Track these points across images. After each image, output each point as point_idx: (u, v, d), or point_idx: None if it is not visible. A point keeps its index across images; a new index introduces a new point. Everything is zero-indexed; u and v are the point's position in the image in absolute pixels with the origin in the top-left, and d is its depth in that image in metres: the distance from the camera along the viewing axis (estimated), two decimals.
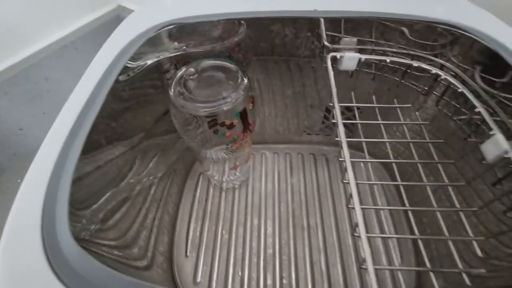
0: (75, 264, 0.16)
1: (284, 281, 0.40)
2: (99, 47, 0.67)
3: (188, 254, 0.43)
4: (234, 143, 0.36)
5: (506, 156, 0.26)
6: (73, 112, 0.25)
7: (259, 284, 0.40)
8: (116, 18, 0.66)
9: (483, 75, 0.32)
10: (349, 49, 0.37)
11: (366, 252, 0.22)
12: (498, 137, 0.27)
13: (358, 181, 0.27)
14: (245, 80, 0.33)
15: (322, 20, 0.35)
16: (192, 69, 0.34)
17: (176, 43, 0.37)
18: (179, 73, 0.34)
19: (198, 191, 0.50)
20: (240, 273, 0.41)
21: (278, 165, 0.53)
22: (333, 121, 0.34)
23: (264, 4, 0.36)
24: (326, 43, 0.37)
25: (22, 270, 0.16)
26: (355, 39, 0.37)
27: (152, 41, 0.34)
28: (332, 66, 0.37)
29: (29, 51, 0.56)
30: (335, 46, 0.37)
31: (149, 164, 0.41)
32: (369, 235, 0.24)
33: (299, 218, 0.46)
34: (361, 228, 0.23)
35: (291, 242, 0.44)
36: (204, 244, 0.44)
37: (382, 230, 0.42)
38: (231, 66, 0.35)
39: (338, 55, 0.37)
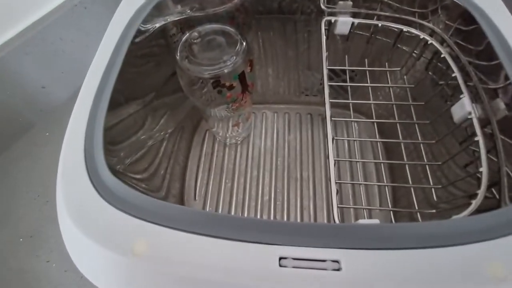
0: (114, 189, 0.22)
1: None
2: (107, 6, 0.68)
3: (196, 198, 0.51)
4: (234, 103, 0.40)
5: (469, 117, 0.30)
6: (98, 73, 0.29)
7: None
8: None
9: (460, 42, 0.34)
10: (344, 13, 0.39)
11: (333, 192, 0.27)
12: (464, 100, 0.30)
13: (336, 137, 0.31)
14: (244, 44, 0.36)
15: None
16: (195, 34, 0.37)
17: (179, 7, 0.40)
18: (184, 37, 0.37)
19: (205, 146, 0.56)
20: (240, 214, 0.49)
21: (277, 123, 0.57)
22: (320, 83, 0.38)
23: None
24: (323, 6, 0.39)
25: (75, 195, 0.22)
26: (350, 2, 0.38)
27: (158, 6, 0.37)
28: (327, 30, 0.39)
29: (42, 12, 0.58)
30: (330, 9, 0.39)
31: (160, 121, 0.47)
32: (339, 181, 0.29)
33: (294, 171, 0.52)
34: (332, 175, 0.28)
35: (285, 191, 0.50)
36: (210, 190, 0.51)
37: (365, 179, 0.48)
38: (231, 30, 0.37)
39: (332, 19, 0.39)
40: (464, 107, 0.30)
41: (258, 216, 0.49)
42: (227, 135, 0.53)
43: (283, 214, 0.48)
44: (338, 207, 0.26)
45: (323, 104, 0.58)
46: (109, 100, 0.27)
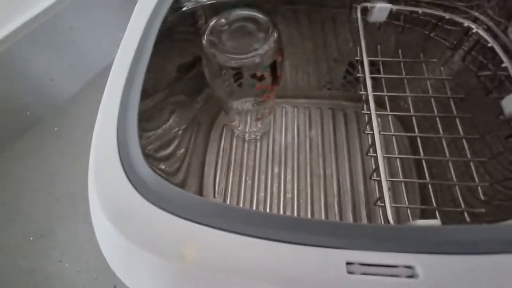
0: (154, 187, 0.20)
1: None
2: None
3: (216, 195, 0.49)
4: (262, 95, 0.38)
5: None
6: (128, 55, 0.26)
7: None
8: None
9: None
10: None
11: (385, 190, 0.25)
12: None
13: (381, 132, 0.29)
14: (275, 32, 0.34)
15: None
16: (223, 20, 0.35)
17: None
18: (211, 23, 0.35)
19: (223, 141, 0.54)
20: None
21: (297, 118, 0.55)
22: (358, 75, 0.35)
23: None
24: None
25: (111, 192, 0.20)
26: None
27: None
28: (362, 18, 0.37)
29: (50, 0, 0.56)
30: None
31: (175, 112, 0.44)
32: (389, 179, 0.27)
33: (316, 167, 0.50)
34: (382, 172, 0.26)
35: (308, 189, 0.48)
36: (230, 188, 0.49)
37: (392, 176, 0.46)
38: (262, 17, 0.35)
39: (369, 5, 0.36)
40: None
41: (281, 214, 0.47)
42: (247, 130, 0.51)
43: (307, 212, 0.46)
44: (392, 206, 0.24)
45: (346, 98, 0.56)
46: (142, 87, 0.24)
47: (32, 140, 0.61)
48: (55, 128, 0.61)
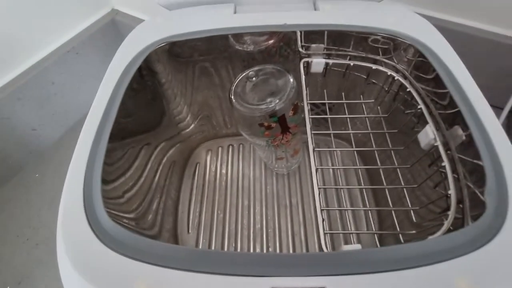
0: (113, 233, 0.23)
1: (270, 249, 0.49)
2: (98, 51, 0.72)
3: (190, 231, 0.52)
4: (273, 140, 0.41)
5: (435, 144, 0.34)
6: (96, 117, 0.31)
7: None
8: (111, 22, 0.70)
9: (420, 77, 0.38)
10: (318, 55, 0.43)
11: (319, 220, 0.29)
12: (427, 128, 0.34)
13: (317, 167, 0.34)
14: (293, 89, 0.36)
15: (298, 32, 0.41)
16: (252, 73, 0.39)
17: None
18: (242, 75, 0.39)
19: (196, 179, 0.58)
20: (233, 244, 0.50)
21: None
22: (302, 115, 0.41)
23: (245, 19, 0.41)
24: (300, 49, 0.43)
25: (76, 241, 0.24)
26: (322, 46, 0.43)
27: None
28: (306, 68, 0.44)
29: (36, 58, 0.61)
30: (307, 52, 0.43)
31: (151, 157, 0.48)
32: (325, 208, 0.31)
33: (283, 198, 0.54)
34: (317, 202, 0.30)
35: (276, 218, 0.52)
36: (203, 222, 0.52)
37: (351, 203, 0.50)
38: (285, 73, 0.38)
39: (309, 60, 0.43)
40: (428, 135, 0.34)
41: (251, 244, 0.50)
42: (275, 166, 0.54)
43: (275, 241, 0.50)
44: (325, 233, 0.28)
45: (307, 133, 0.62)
46: (107, 146, 0.29)
47: (14, 188, 0.63)
48: (36, 175, 0.64)
